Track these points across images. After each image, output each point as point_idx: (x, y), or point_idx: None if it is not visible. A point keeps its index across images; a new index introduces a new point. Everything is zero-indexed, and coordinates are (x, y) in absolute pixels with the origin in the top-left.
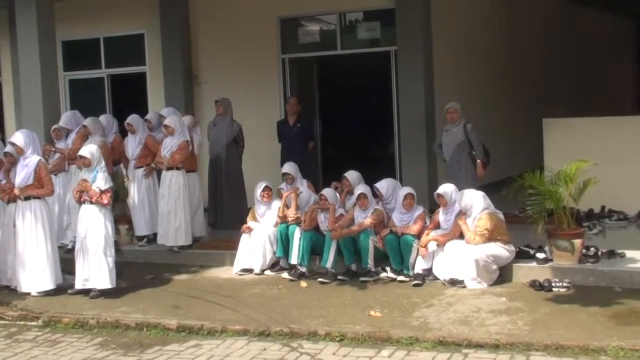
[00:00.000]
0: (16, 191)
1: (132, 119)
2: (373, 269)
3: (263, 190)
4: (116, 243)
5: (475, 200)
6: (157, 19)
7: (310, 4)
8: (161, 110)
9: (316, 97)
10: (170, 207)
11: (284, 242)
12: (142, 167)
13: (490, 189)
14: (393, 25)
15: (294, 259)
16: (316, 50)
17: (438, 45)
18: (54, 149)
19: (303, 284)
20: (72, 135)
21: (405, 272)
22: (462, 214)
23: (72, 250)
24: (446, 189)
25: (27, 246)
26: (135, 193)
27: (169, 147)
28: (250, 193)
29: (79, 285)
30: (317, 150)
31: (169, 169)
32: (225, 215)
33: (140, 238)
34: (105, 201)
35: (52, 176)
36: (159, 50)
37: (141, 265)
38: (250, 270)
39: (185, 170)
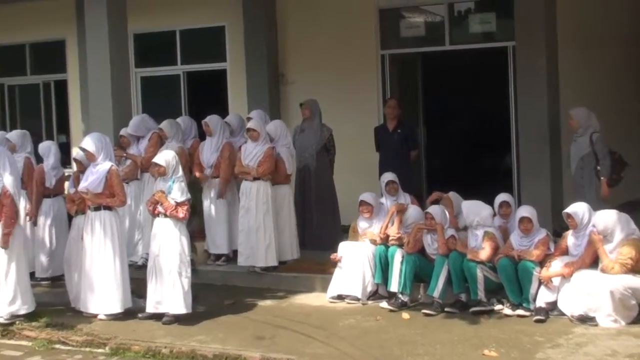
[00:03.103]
0: (86, 197)
1: (211, 119)
2: (484, 300)
3: (362, 205)
4: (192, 262)
5: (618, 224)
6: (239, 10)
7: None
8: (238, 112)
9: (420, 99)
10: (259, 223)
11: (383, 266)
12: (218, 176)
13: (624, 209)
14: (511, 17)
15: (394, 286)
16: (420, 46)
17: (564, 39)
18: (124, 155)
19: (405, 315)
20: (145, 141)
21: (524, 305)
22: (598, 237)
23: (142, 267)
24: (577, 208)
25: (95, 263)
26: (211, 205)
27: (252, 154)
28: (343, 208)
29: (150, 308)
30: (421, 160)
31: (255, 179)
32: (315, 233)
33: (218, 257)
34: (181, 215)
35: (124, 185)
36: (242, 45)
37: (219, 288)
38: (344, 298)
39: (272, 181)
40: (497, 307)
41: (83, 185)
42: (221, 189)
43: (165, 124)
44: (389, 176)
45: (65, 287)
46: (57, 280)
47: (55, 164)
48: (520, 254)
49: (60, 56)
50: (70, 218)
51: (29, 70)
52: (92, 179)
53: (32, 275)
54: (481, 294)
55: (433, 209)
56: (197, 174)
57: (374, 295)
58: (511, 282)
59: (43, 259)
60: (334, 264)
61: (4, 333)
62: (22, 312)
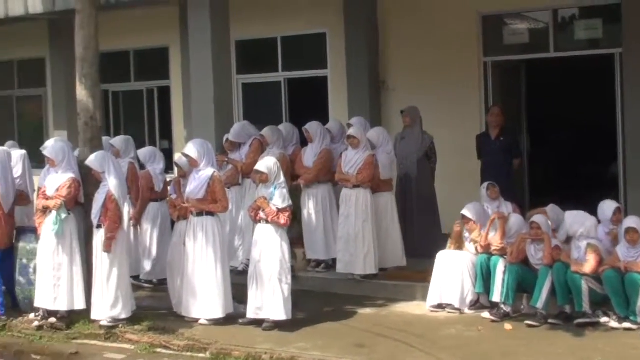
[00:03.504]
0: (187, 205)
1: (311, 126)
2: (589, 312)
3: (464, 219)
4: (292, 269)
5: None
6: (340, 17)
7: None
8: (339, 119)
9: (523, 106)
10: (358, 231)
11: (485, 275)
12: (320, 181)
13: None
14: (618, 23)
15: (496, 296)
16: (524, 53)
17: None
18: (226, 160)
19: (507, 326)
20: (246, 147)
21: (632, 318)
22: None
23: (242, 273)
24: None
25: (197, 269)
26: (311, 212)
27: (352, 161)
28: (444, 216)
29: (250, 314)
30: (524, 169)
31: (354, 186)
32: (415, 241)
33: (318, 264)
34: (282, 221)
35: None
36: (343, 51)
37: (319, 295)
38: (444, 307)
39: (372, 189)
40: (603, 319)
41: (186, 192)
42: (305, 180)
43: (266, 131)
44: (489, 180)
45: (167, 291)
46: (162, 284)
47: (163, 168)
48: (627, 266)
49: (164, 63)
50: (172, 223)
51: (133, 77)
52: (194, 186)
53: (136, 277)
54: (586, 306)
55: (538, 219)
56: (301, 180)
57: (475, 305)
58: (618, 294)
59: (147, 262)
60: (434, 272)
61: (107, 336)
62: (123, 316)
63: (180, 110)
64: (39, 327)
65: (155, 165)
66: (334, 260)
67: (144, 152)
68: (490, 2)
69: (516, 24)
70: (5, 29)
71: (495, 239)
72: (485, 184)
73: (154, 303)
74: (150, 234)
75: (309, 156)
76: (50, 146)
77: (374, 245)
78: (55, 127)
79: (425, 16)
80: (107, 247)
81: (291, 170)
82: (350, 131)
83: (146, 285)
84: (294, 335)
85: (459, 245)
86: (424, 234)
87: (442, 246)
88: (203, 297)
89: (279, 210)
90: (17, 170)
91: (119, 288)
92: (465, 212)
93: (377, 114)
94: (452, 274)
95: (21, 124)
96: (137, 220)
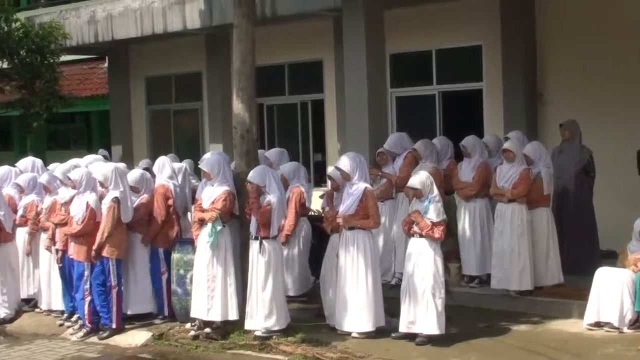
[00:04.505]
0: (339, 220)
1: (467, 141)
2: None
3: None
4: (446, 283)
5: None
6: (497, 30)
7: None
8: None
9: None
10: (513, 246)
11: None
12: (477, 195)
13: None
14: None
15: None
16: None
17: None
18: (380, 174)
19: None
20: (399, 160)
21: None
22: None
23: (394, 286)
24: None
25: (349, 282)
26: (466, 227)
27: (507, 175)
28: (602, 233)
29: (403, 328)
30: None
31: (509, 201)
32: (572, 258)
33: (472, 279)
34: (437, 235)
35: (379, 204)
36: (499, 64)
37: (472, 311)
38: (602, 325)
39: (528, 203)
40: None
41: (340, 210)
42: (466, 195)
43: (419, 145)
44: None
45: (320, 303)
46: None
47: (308, 183)
48: None
49: (318, 76)
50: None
51: (288, 90)
52: (347, 202)
53: None
54: None
55: None
56: (493, 191)
57: (634, 324)
58: None
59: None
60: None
61: (262, 347)
62: (277, 327)
63: (333, 124)
64: (195, 337)
65: (301, 181)
66: (488, 276)
67: (287, 168)
68: None
69: None
70: (163, 45)
71: None
72: None
73: (307, 315)
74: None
75: (466, 170)
76: (207, 159)
77: (530, 260)
78: (211, 140)
79: (586, 28)
80: (284, 238)
81: (444, 185)
82: (506, 145)
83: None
84: (447, 350)
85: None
86: (580, 250)
87: (600, 263)
88: (354, 310)
89: (434, 224)
90: (177, 182)
91: (273, 299)
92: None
93: (533, 128)
94: (611, 291)
95: (178, 137)
96: (287, 237)
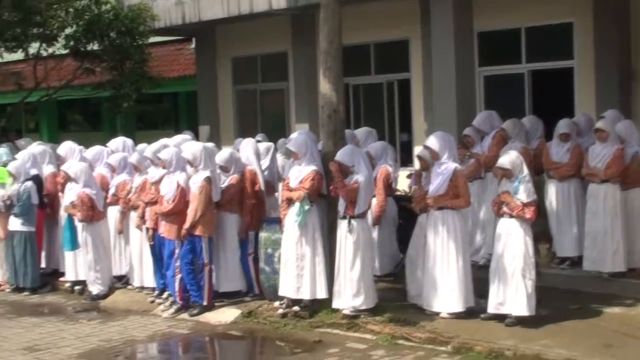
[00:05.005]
0: (429, 201)
1: (564, 124)
2: None
3: None
4: (536, 264)
5: None
6: (588, 5)
7: None
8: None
9: None
10: (606, 227)
11: None
12: (572, 176)
13: None
14: None
15: None
16: None
17: None
18: (468, 154)
19: None
20: (488, 139)
21: None
22: None
23: (483, 267)
24: None
25: (438, 262)
26: (559, 208)
27: (600, 155)
28: None
29: (492, 309)
30: None
31: (602, 181)
32: None
33: (563, 260)
34: (528, 215)
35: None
36: (591, 41)
37: (563, 293)
38: None
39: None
40: None
41: (430, 189)
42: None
43: (508, 124)
44: None
45: (405, 283)
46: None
47: (395, 163)
48: None
49: (404, 56)
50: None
51: (373, 70)
52: (437, 182)
53: None
54: None
55: None
56: (584, 172)
57: None
58: None
59: (382, 255)
60: None
61: (349, 326)
62: (364, 307)
63: (420, 103)
64: (283, 315)
65: (388, 161)
66: (580, 257)
67: (375, 147)
68: None
69: None
70: (249, 25)
71: None
72: None
73: (394, 295)
74: (383, 229)
75: (559, 151)
76: (294, 139)
77: (623, 242)
78: (297, 120)
79: None
80: (377, 220)
81: (534, 164)
82: (599, 124)
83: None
84: (537, 332)
85: None
86: None
87: None
88: (444, 290)
89: (524, 205)
90: (265, 162)
91: (361, 279)
92: None
93: (626, 107)
94: None
95: (264, 117)
96: (378, 217)
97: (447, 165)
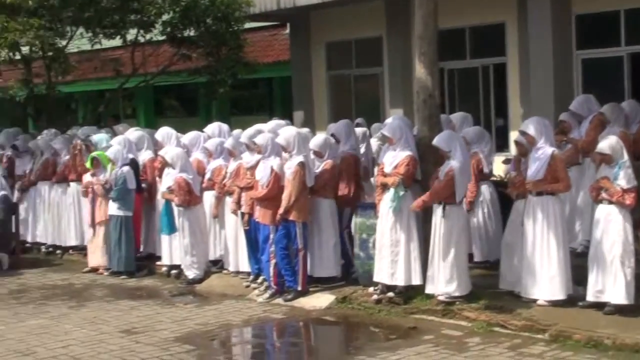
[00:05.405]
0: (528, 186)
1: None
2: None
3: None
4: (636, 252)
5: None
6: None
7: None
8: None
9: None
10: None
11: None
12: None
13: None
14: None
15: None
16: None
17: None
18: (565, 139)
19: None
20: (585, 124)
21: None
22: None
23: (580, 254)
24: None
25: (536, 249)
26: None
27: None
28: None
29: (590, 297)
30: None
31: None
32: None
33: None
34: (628, 202)
35: None
36: None
37: None
38: None
39: None
40: None
41: (528, 174)
42: None
43: (606, 108)
44: None
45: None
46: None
47: (490, 149)
48: None
49: (500, 39)
50: (503, 203)
51: (469, 54)
52: (534, 167)
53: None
54: None
55: None
56: None
57: None
58: None
59: (479, 242)
60: None
61: (444, 312)
62: (457, 293)
63: (516, 88)
64: (378, 301)
65: (482, 146)
66: None
67: (471, 132)
68: None
69: None
70: (344, 10)
71: None
72: None
73: (488, 282)
74: (479, 215)
75: None
76: (389, 124)
77: None
78: (391, 105)
79: None
80: (468, 206)
81: (633, 149)
82: None
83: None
84: (637, 321)
85: None
86: None
87: None
88: (542, 277)
89: (624, 191)
90: (361, 147)
91: (455, 265)
92: None
93: None
94: None
95: (358, 103)
96: (470, 204)
97: (545, 150)
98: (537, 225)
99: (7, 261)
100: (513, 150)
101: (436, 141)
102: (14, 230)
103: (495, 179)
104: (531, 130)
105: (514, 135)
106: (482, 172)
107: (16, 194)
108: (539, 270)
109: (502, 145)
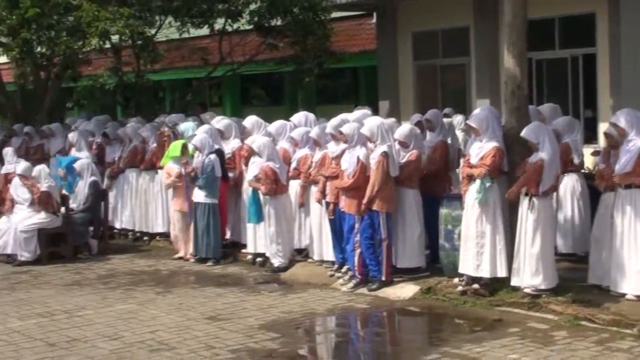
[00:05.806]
0: (615, 178)
1: None
2: None
3: None
4: None
5: None
6: None
7: None
8: None
9: None
10: None
11: None
12: None
13: None
14: None
15: None
16: None
17: None
18: None
19: None
20: None
21: None
22: None
23: None
24: None
25: (625, 243)
26: None
27: None
28: None
29: None
30: None
31: None
32: None
33: None
34: None
35: None
36: None
37: None
38: None
39: None
40: None
41: (617, 167)
42: None
43: None
44: None
45: (588, 263)
46: (582, 258)
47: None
48: None
49: (590, 30)
50: (592, 194)
51: (558, 45)
52: (624, 160)
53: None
54: None
55: None
56: None
57: None
58: None
59: (564, 235)
60: None
61: (530, 305)
62: (543, 286)
63: (606, 79)
64: (463, 292)
65: (572, 136)
66: None
67: (561, 122)
68: None
69: None
70: (431, 0)
71: None
72: None
73: (575, 275)
74: (568, 206)
75: None
76: (475, 115)
77: None
78: (478, 96)
79: None
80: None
81: None
82: None
83: (567, 257)
84: None
85: None
86: None
87: None
88: (631, 271)
89: None
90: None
91: (541, 257)
92: None
93: None
94: None
95: (444, 93)
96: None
97: (635, 143)
98: (626, 218)
99: (96, 247)
100: (602, 142)
101: (525, 133)
102: (102, 216)
103: (584, 171)
104: (622, 122)
105: (603, 127)
106: (572, 162)
107: (106, 181)
108: (627, 264)
109: (590, 137)
